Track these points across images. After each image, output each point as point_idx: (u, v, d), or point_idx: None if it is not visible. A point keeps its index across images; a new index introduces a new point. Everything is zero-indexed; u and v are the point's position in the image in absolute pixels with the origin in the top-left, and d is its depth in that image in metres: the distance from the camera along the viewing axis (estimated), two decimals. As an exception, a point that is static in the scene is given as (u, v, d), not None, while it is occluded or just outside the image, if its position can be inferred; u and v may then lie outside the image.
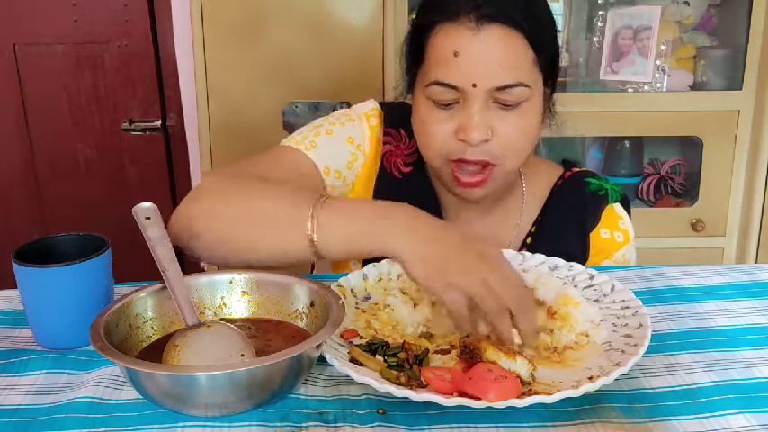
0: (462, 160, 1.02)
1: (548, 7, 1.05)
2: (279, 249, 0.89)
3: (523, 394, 0.70)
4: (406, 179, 1.14)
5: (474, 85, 0.98)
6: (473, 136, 0.99)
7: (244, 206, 0.91)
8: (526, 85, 0.99)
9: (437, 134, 1.02)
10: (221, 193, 0.95)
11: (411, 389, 0.71)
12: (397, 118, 1.16)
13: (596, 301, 0.91)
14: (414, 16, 1.10)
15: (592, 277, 0.96)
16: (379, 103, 1.20)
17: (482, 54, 0.97)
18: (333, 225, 0.86)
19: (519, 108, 1.00)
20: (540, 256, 1.01)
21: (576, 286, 0.93)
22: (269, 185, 0.95)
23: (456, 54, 0.98)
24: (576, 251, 1.09)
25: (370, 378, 0.72)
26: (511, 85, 0.98)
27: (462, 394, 0.70)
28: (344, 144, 1.13)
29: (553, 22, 1.06)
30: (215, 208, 0.93)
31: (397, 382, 0.73)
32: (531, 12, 0.99)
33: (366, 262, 1.01)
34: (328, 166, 1.10)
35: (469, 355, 0.77)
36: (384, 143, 1.16)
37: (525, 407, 0.69)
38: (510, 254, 1.03)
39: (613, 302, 0.89)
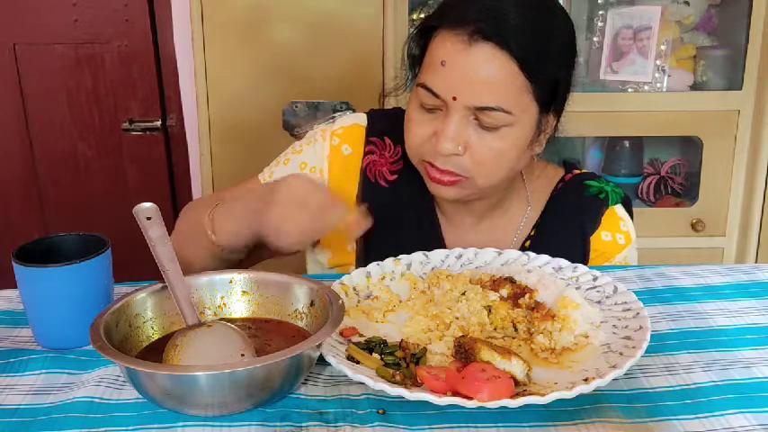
0: (433, 165, 1.02)
1: (563, 36, 1.02)
2: (199, 257, 1.04)
3: (518, 395, 0.70)
4: (393, 187, 1.14)
5: (454, 98, 0.97)
6: (443, 146, 0.99)
7: (184, 232, 1.08)
8: (507, 112, 0.97)
9: (415, 133, 1.04)
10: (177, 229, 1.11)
11: (406, 388, 0.71)
12: (381, 126, 1.16)
13: (598, 302, 0.91)
14: (414, 17, 1.10)
15: (595, 279, 0.96)
16: (369, 111, 1.20)
17: (467, 70, 0.96)
18: (223, 224, 1.01)
19: (498, 131, 0.99)
20: (544, 257, 1.02)
21: (578, 288, 0.94)
22: (198, 209, 1.08)
23: (443, 63, 0.98)
24: (576, 255, 1.09)
25: (365, 376, 0.72)
26: (490, 108, 0.97)
27: (456, 394, 0.70)
28: (296, 171, 1.15)
29: (566, 52, 1.03)
30: (182, 250, 1.01)
31: (391, 381, 0.74)
32: (533, 38, 0.97)
33: (367, 262, 1.01)
34: None
35: (464, 355, 0.77)
36: (367, 153, 1.15)
37: (523, 407, 0.69)
38: (515, 254, 1.03)
39: (615, 304, 0.89)
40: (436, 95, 0.99)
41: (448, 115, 0.99)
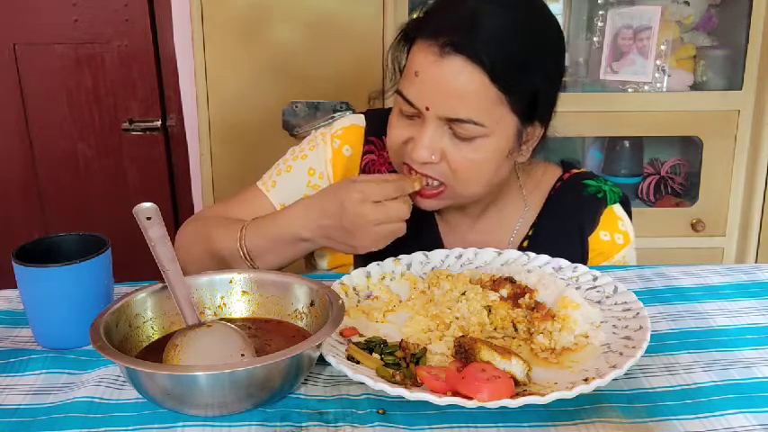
0: (411, 167, 1.02)
1: (546, 46, 1.01)
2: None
3: (518, 395, 0.70)
4: None
5: (427, 109, 0.98)
6: (417, 154, 0.99)
7: (203, 252, 1.09)
8: (479, 124, 0.97)
9: (394, 138, 1.04)
10: (189, 244, 1.12)
11: (406, 387, 0.71)
12: (380, 126, 1.15)
13: (598, 302, 0.91)
14: (415, 17, 1.10)
15: (595, 279, 0.96)
16: (367, 112, 1.21)
17: (439, 82, 0.96)
18: (260, 251, 1.05)
19: (473, 142, 0.99)
20: (544, 257, 1.02)
21: (578, 288, 0.93)
22: (217, 230, 1.09)
23: (416, 74, 0.98)
24: (574, 255, 1.09)
25: (365, 376, 0.72)
26: (461, 120, 0.97)
27: (456, 394, 0.70)
28: (304, 177, 1.16)
29: (550, 61, 1.02)
30: (184, 258, 1.03)
31: (391, 381, 0.74)
32: (508, 50, 0.96)
33: (367, 262, 1.01)
34: (284, 203, 1.14)
35: (464, 355, 0.77)
36: (366, 152, 1.16)
37: (523, 407, 0.69)
38: (515, 254, 1.03)
39: (615, 304, 0.89)
40: (411, 104, 1.00)
41: (424, 123, 1.00)
